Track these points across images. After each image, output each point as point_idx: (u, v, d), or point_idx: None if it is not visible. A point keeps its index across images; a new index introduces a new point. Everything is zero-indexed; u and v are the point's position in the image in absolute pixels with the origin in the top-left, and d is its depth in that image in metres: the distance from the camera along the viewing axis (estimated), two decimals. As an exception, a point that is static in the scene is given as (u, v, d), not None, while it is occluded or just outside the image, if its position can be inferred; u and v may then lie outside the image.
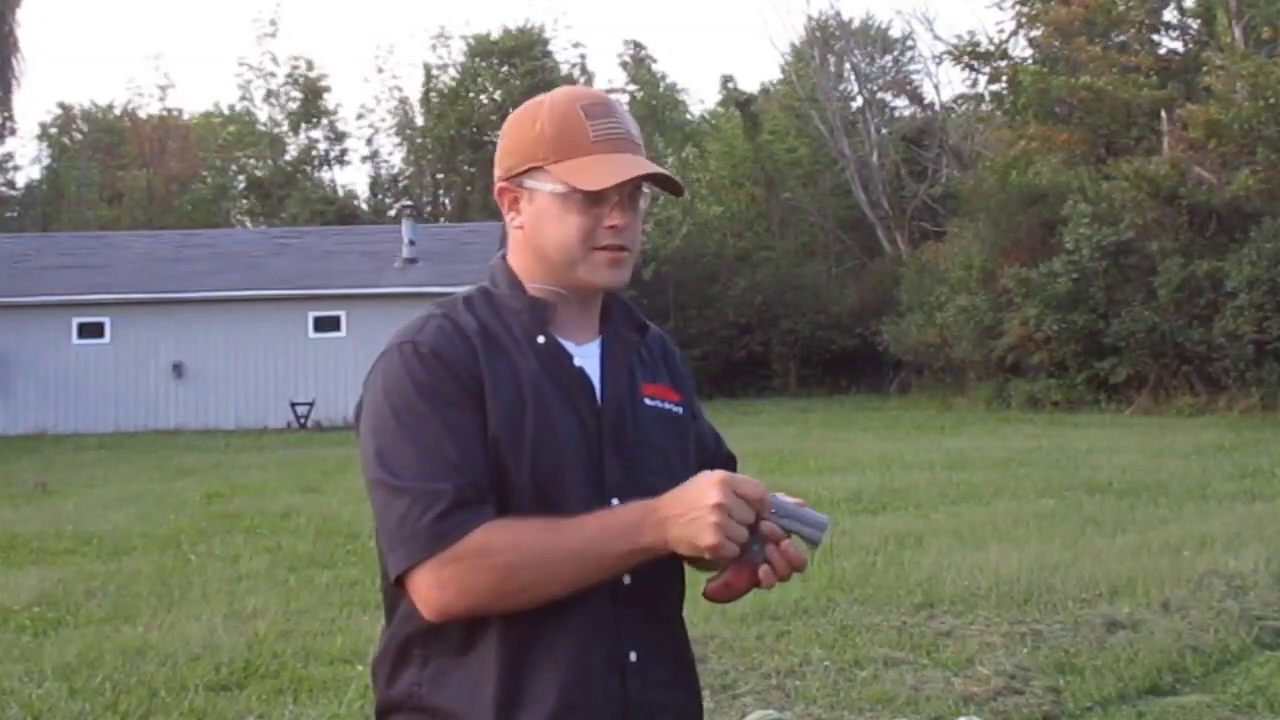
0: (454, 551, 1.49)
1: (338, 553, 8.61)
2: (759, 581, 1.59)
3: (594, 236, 1.63)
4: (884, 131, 38.07)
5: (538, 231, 1.66)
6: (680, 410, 1.78)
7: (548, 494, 1.58)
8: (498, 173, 1.71)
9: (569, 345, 1.68)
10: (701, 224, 35.69)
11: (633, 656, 1.63)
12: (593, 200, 1.62)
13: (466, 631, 1.59)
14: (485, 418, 1.57)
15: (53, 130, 45.06)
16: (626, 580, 1.62)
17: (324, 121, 43.37)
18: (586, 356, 1.69)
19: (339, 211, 38.74)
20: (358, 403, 1.66)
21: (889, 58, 41.21)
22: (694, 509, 1.50)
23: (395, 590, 1.60)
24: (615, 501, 1.62)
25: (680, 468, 1.73)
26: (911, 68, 40.94)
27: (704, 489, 1.51)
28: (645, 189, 1.69)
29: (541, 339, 1.65)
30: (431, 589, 1.51)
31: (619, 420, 1.66)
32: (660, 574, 1.67)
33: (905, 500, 10.62)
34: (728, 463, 1.89)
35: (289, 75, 42.62)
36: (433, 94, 41.12)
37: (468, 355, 1.60)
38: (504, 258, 1.74)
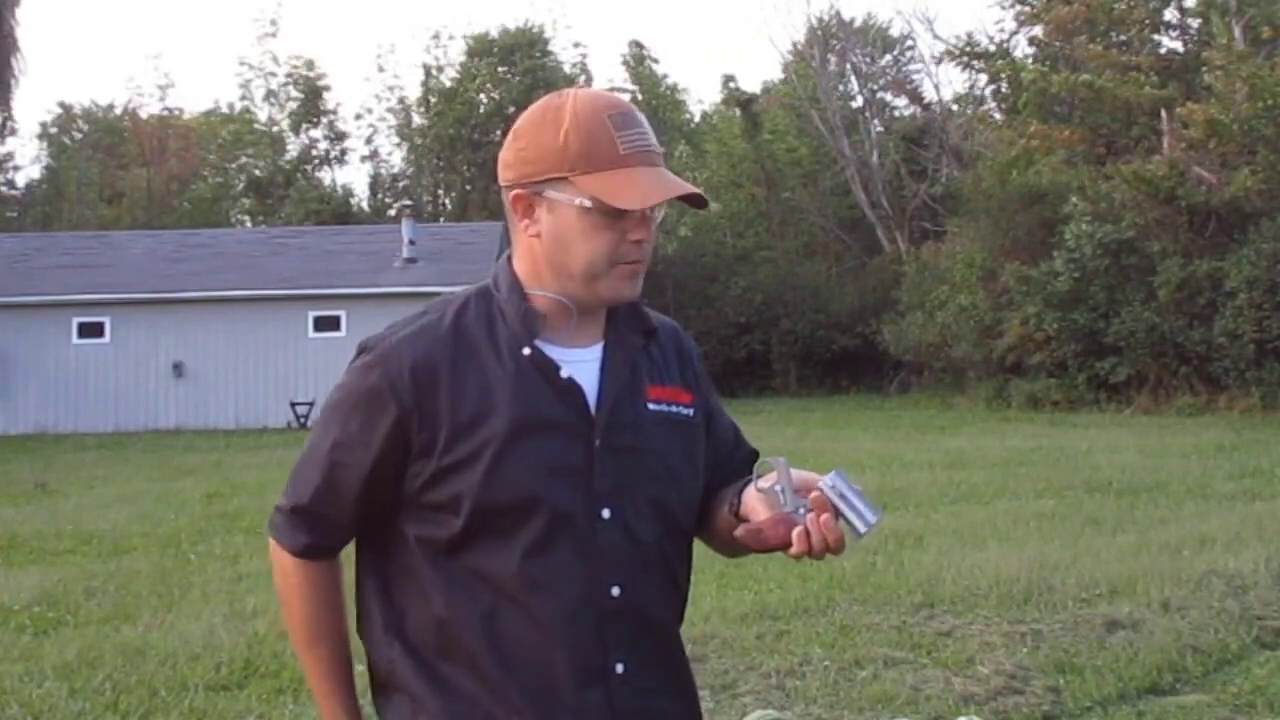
0: (276, 551, 1.75)
1: (338, 553, 8.59)
2: (790, 544, 1.57)
3: (618, 251, 1.61)
4: (884, 131, 38.06)
5: (560, 245, 1.62)
6: (690, 412, 1.75)
7: (513, 508, 1.57)
8: (509, 176, 1.65)
9: (565, 352, 1.65)
10: (701, 224, 35.67)
11: (619, 668, 1.61)
12: (618, 214, 1.59)
13: (439, 635, 1.61)
14: (402, 446, 1.60)
15: (53, 130, 45.09)
16: (615, 592, 1.60)
17: (324, 121, 43.39)
18: (585, 362, 1.66)
19: (334, 211, 38.73)
20: None
21: (889, 57, 41.23)
22: None
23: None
24: (606, 513, 1.60)
25: (684, 472, 1.71)
26: (911, 68, 40.97)
27: None
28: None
29: (527, 350, 1.62)
30: (274, 561, 1.77)
31: (613, 428, 1.63)
32: (653, 586, 1.66)
33: (905, 500, 10.61)
34: (748, 459, 1.87)
35: (289, 75, 42.67)
36: (432, 94, 41.13)
37: (414, 380, 1.59)
38: (509, 260, 1.70)
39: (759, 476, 1.66)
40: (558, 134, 1.59)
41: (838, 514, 1.58)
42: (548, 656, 1.57)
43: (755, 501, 1.64)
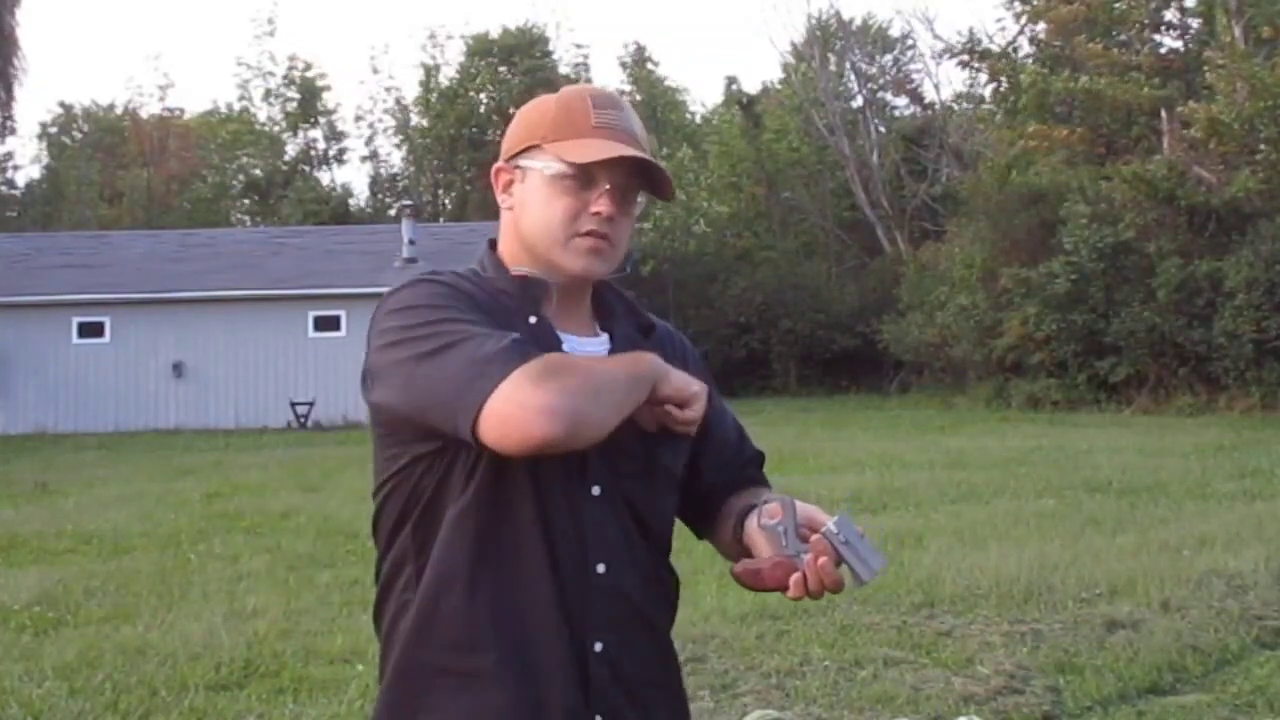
0: (539, 360, 1.46)
1: (338, 552, 8.61)
2: (788, 587, 1.55)
3: (578, 221, 1.62)
4: (884, 131, 38.08)
5: (524, 211, 1.66)
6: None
7: (507, 471, 1.55)
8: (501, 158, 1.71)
9: (572, 340, 1.66)
10: (713, 221, 35.64)
11: (598, 647, 1.59)
12: (582, 184, 1.61)
13: (429, 620, 1.58)
14: None
15: (53, 130, 45.12)
16: (600, 569, 1.59)
17: (322, 121, 43.41)
18: (594, 352, 1.66)
19: (334, 211, 38.74)
20: (369, 329, 1.63)
21: (889, 57, 41.27)
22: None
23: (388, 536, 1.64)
24: (596, 490, 1.60)
25: (674, 466, 1.70)
26: (911, 67, 41.02)
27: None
28: (641, 197, 1.68)
29: (534, 319, 1.63)
30: (538, 390, 1.42)
31: None
32: (640, 568, 1.65)
33: (905, 500, 10.61)
34: (754, 460, 1.86)
35: (286, 75, 42.68)
36: (431, 94, 41.16)
37: (476, 296, 1.60)
38: (491, 244, 1.73)
39: (764, 508, 1.63)
40: (542, 111, 1.67)
41: (840, 559, 1.55)
42: (526, 630, 1.56)
43: (757, 537, 1.62)
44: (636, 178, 1.65)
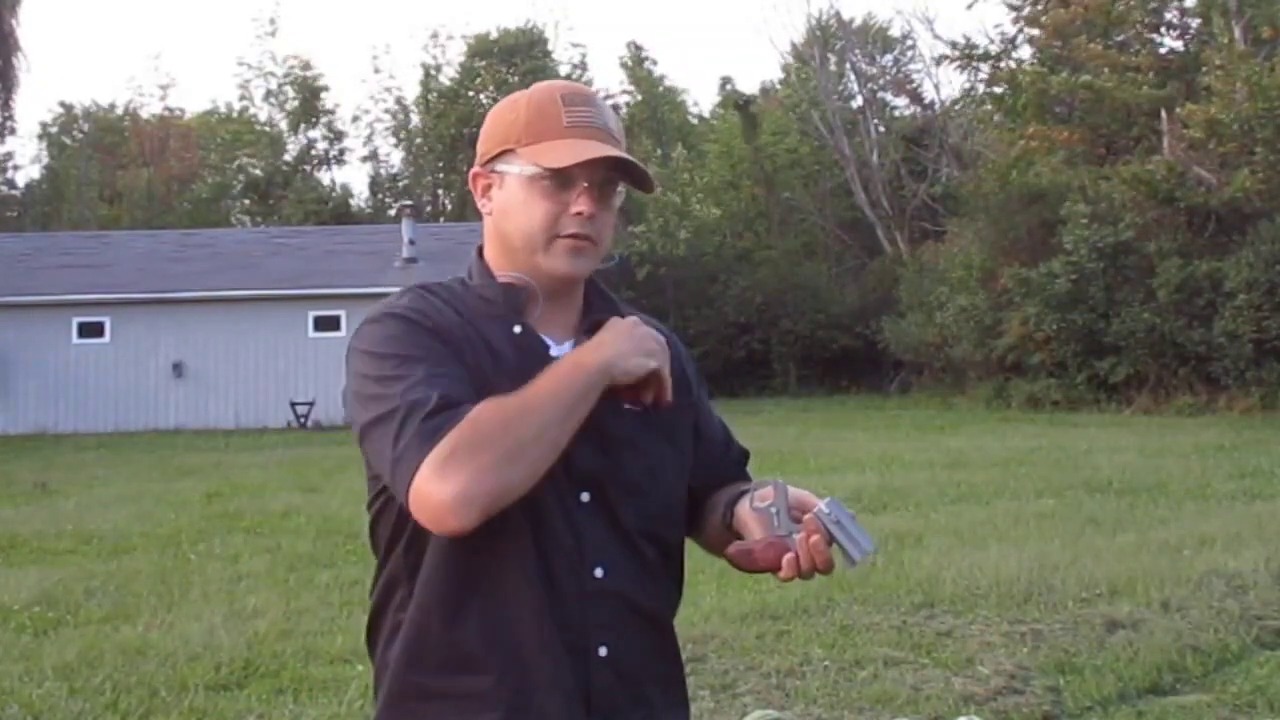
0: (448, 440, 1.44)
1: (338, 552, 8.61)
2: (780, 567, 1.56)
3: (559, 223, 1.61)
4: (884, 131, 38.08)
5: (504, 216, 1.65)
6: (672, 412, 1.70)
7: None
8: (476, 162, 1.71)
9: (548, 341, 1.65)
10: (701, 225, 35.72)
11: (602, 651, 1.59)
12: (560, 185, 1.60)
13: (425, 630, 1.58)
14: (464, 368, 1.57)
15: (53, 130, 45.09)
16: (598, 573, 1.59)
17: (322, 121, 43.39)
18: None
19: (334, 211, 38.73)
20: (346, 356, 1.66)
21: (889, 57, 41.26)
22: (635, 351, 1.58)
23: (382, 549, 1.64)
24: (585, 496, 1.58)
25: (671, 468, 1.69)
26: (911, 67, 41.00)
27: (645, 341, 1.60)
28: (620, 187, 1.67)
29: (518, 329, 1.63)
30: (442, 483, 1.42)
31: (594, 413, 1.56)
32: (638, 571, 1.64)
33: (905, 500, 10.61)
34: (740, 459, 1.86)
35: (285, 75, 42.68)
36: (432, 94, 41.17)
37: (447, 317, 1.61)
38: (479, 250, 1.72)
39: (756, 491, 1.64)
40: (512, 113, 1.66)
41: (831, 540, 1.56)
42: (521, 644, 1.55)
43: (749, 519, 1.63)
44: (614, 171, 1.64)
